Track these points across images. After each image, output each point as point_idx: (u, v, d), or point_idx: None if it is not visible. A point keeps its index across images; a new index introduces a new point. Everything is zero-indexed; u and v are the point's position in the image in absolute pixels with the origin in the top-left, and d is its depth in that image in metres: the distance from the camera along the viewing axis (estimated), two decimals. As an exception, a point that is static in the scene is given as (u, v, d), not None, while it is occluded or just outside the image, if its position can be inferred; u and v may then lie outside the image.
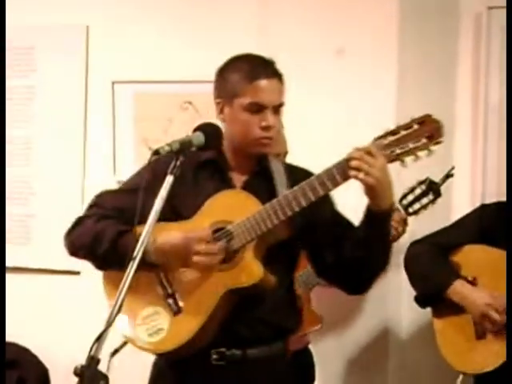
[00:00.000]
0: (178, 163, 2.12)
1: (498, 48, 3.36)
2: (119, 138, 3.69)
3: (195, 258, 2.21)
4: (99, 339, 1.90)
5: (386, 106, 3.26)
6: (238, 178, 2.37)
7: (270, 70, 2.30)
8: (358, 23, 3.35)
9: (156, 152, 2.11)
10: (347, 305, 3.30)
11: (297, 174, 2.33)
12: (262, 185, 2.33)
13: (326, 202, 2.31)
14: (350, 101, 3.32)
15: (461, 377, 2.79)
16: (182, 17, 3.59)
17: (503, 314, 2.67)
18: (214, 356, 2.28)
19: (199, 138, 2.19)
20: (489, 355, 2.70)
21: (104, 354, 1.91)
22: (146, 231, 2.05)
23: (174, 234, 2.25)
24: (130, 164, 3.57)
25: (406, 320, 3.26)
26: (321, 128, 3.34)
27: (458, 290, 2.76)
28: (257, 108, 2.27)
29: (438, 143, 2.10)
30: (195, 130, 2.22)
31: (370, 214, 2.19)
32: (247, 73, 2.28)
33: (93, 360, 1.88)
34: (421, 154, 2.11)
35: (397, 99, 3.29)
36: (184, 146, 2.15)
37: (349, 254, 2.23)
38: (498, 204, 2.91)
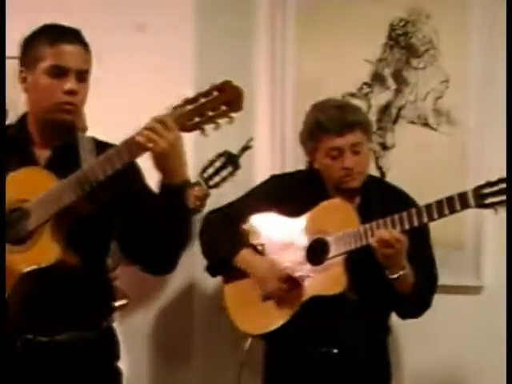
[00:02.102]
0: None
1: (293, 22, 3.44)
2: None
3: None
4: None
5: (186, 77, 3.24)
6: (42, 154, 2.28)
7: (73, 36, 2.25)
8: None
9: None
10: (153, 284, 3.28)
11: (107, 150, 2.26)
12: (67, 161, 2.26)
13: (134, 177, 2.27)
14: (151, 75, 3.28)
15: (249, 340, 2.85)
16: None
17: (281, 280, 2.73)
18: (19, 343, 2.21)
19: None
20: (270, 317, 2.76)
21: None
22: None
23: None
24: None
25: (215, 297, 3.27)
26: (120, 103, 3.27)
27: (244, 257, 2.81)
28: (59, 71, 2.20)
29: (237, 110, 2.10)
30: None
31: (163, 188, 2.17)
32: (49, 37, 2.23)
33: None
34: (221, 121, 2.09)
35: (197, 70, 3.28)
36: None
37: (145, 230, 2.20)
38: (287, 175, 2.99)
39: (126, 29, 3.31)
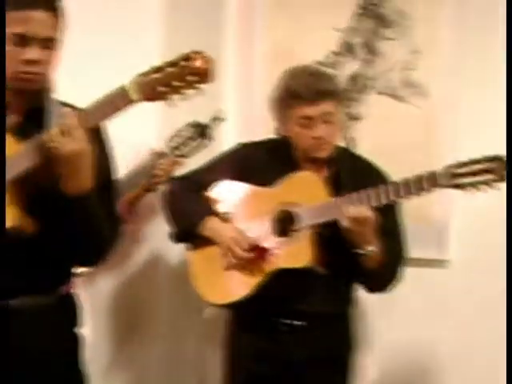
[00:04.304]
0: None
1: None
2: None
3: None
4: None
5: (154, 46, 3.18)
6: (10, 119, 2.20)
7: (41, 1, 2.15)
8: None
9: None
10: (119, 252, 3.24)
11: None
12: (33, 126, 2.16)
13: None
14: (118, 38, 3.22)
15: (209, 309, 2.87)
16: None
17: (246, 249, 2.70)
18: None
19: None
20: (235, 287, 2.73)
21: None
22: None
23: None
24: None
25: (181, 266, 3.25)
26: (90, 70, 3.19)
27: (210, 225, 2.77)
28: (20, 39, 2.12)
29: (206, 81, 2.04)
30: None
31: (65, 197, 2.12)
32: (15, 2, 2.14)
33: None
34: (188, 91, 2.04)
35: (166, 40, 3.22)
36: None
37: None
38: (255, 143, 2.93)
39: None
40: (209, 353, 3.31)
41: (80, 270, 2.81)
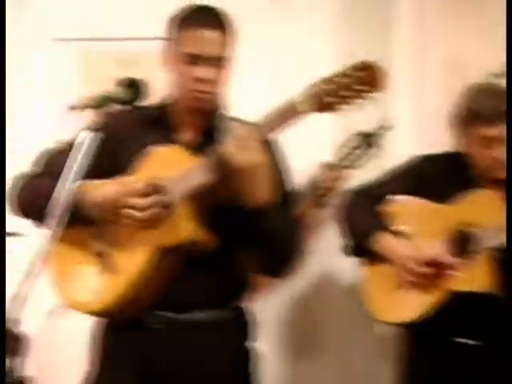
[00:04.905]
0: (103, 120, 2.02)
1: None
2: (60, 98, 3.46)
3: (126, 212, 2.13)
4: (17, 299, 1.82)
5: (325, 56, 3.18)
6: (186, 136, 2.27)
7: (212, 20, 2.21)
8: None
9: (72, 107, 2.02)
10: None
11: None
12: (210, 143, 2.21)
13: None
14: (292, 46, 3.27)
15: (384, 328, 2.81)
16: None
17: (424, 265, 2.64)
18: (153, 319, 2.23)
19: (120, 93, 2.07)
20: (407, 306, 2.68)
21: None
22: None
23: (107, 186, 2.18)
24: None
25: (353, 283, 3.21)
26: (262, 81, 3.25)
27: (382, 240, 2.72)
28: (191, 58, 2.18)
29: (378, 90, 2.00)
30: (117, 84, 2.10)
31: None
32: (186, 20, 2.21)
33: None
34: (359, 101, 2.01)
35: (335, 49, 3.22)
36: (103, 101, 2.04)
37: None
38: (431, 157, 2.87)
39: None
40: (379, 369, 3.24)
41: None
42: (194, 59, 2.18)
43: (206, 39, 2.18)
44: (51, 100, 3.41)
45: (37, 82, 3.49)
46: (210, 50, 2.18)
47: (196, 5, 2.27)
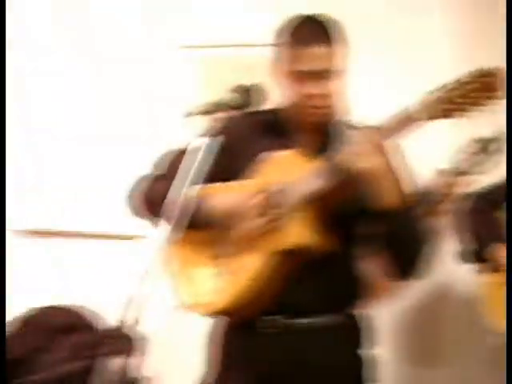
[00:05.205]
0: (220, 125, 2.07)
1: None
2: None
3: (248, 222, 2.16)
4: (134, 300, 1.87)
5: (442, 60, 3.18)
6: (302, 142, 2.27)
7: (315, 34, 2.18)
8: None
9: (189, 114, 2.06)
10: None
11: None
12: (327, 150, 2.20)
13: None
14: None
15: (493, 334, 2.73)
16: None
17: None
18: (266, 323, 2.25)
19: (235, 99, 2.10)
20: None
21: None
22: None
23: (230, 193, 2.22)
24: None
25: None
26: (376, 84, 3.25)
27: (500, 249, 2.68)
28: (297, 75, 2.17)
29: (496, 98, 1.97)
30: (232, 91, 2.12)
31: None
32: (290, 36, 2.19)
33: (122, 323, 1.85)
34: (477, 109, 1.99)
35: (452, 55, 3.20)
36: (219, 107, 2.08)
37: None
38: None
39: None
40: (491, 380, 3.19)
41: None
42: (304, 75, 2.17)
43: (315, 56, 2.16)
44: (173, 106, 3.50)
45: (161, 88, 3.61)
46: (320, 65, 2.17)
47: (304, 16, 2.24)
